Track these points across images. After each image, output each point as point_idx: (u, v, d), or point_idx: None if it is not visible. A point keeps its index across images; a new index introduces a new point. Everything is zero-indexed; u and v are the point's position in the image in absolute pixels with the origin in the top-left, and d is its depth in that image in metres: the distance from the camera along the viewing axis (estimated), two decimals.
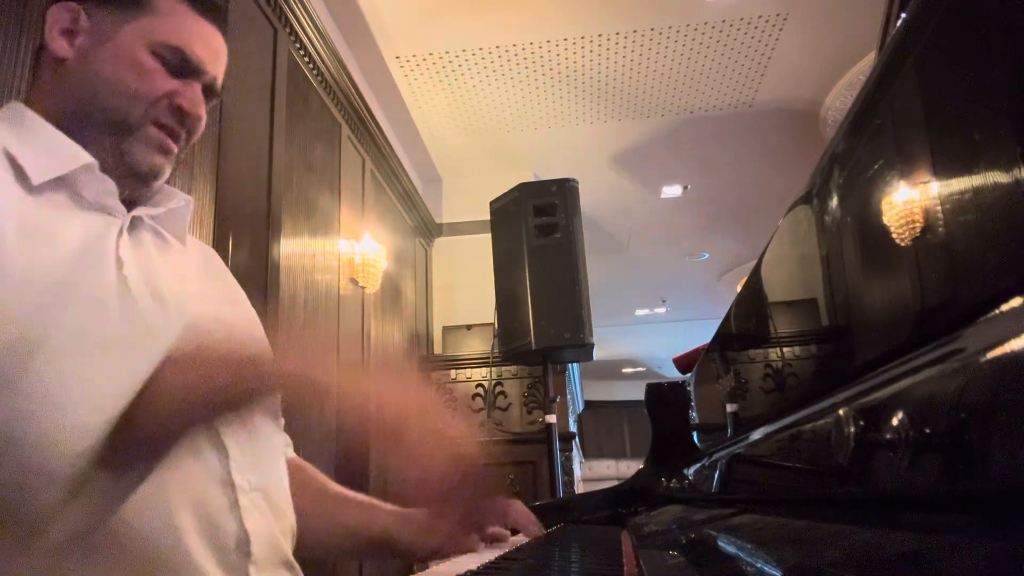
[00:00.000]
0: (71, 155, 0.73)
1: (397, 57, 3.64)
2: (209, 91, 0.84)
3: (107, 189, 0.75)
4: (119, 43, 0.77)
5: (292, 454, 0.98)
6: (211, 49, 0.83)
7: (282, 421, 0.94)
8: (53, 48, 0.77)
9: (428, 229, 4.52)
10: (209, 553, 0.68)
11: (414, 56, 3.66)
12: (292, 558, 0.78)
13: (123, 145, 0.77)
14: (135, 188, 0.80)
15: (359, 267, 3.07)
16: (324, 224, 2.82)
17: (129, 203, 0.79)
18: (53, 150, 0.73)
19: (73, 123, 0.76)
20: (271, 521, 0.75)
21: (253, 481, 0.75)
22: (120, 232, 0.75)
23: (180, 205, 0.85)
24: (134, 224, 0.79)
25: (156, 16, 0.79)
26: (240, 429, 0.75)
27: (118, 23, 0.78)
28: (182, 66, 0.80)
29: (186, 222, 0.87)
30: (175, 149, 0.81)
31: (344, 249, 2.99)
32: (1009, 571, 0.25)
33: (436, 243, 4.70)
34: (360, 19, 3.29)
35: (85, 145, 0.75)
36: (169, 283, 0.77)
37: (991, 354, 0.28)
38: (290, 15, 2.53)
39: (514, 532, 1.04)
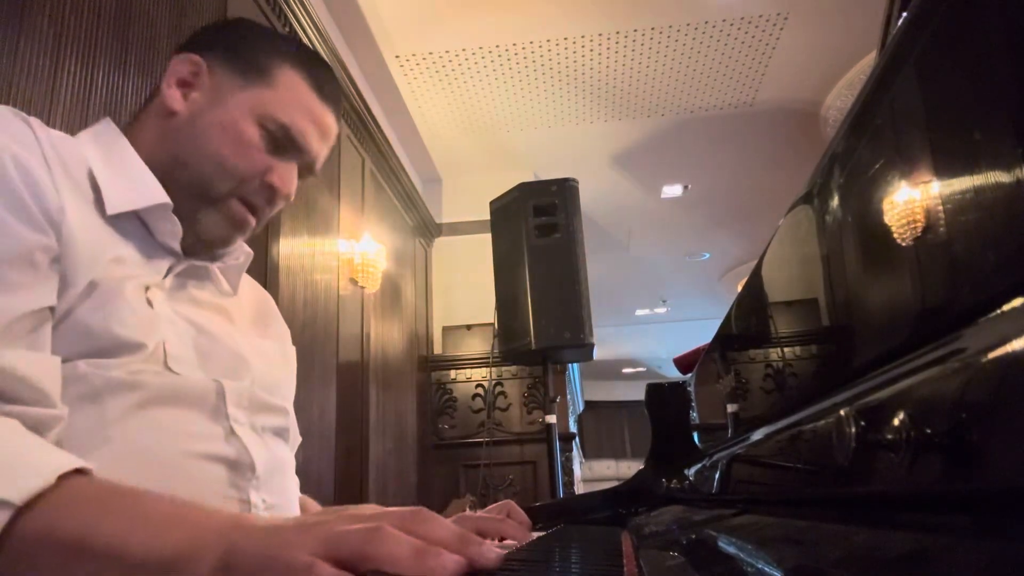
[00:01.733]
0: (151, 191, 0.73)
1: (397, 57, 3.64)
2: (307, 171, 0.84)
3: (173, 232, 0.76)
4: (230, 109, 0.77)
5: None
6: (321, 131, 0.82)
7: (296, 440, 0.94)
8: (167, 96, 0.77)
9: (428, 229, 4.52)
10: None
11: (414, 56, 3.66)
12: None
13: (199, 214, 0.78)
14: (199, 250, 0.81)
15: (359, 267, 3.07)
16: (323, 224, 2.82)
17: (188, 251, 0.79)
18: (136, 182, 0.73)
19: (163, 175, 0.76)
20: None
21: (268, 500, 0.75)
22: (168, 273, 0.76)
23: (239, 261, 0.86)
24: (191, 271, 0.79)
25: (275, 90, 0.79)
26: (261, 444, 0.76)
27: (237, 88, 0.78)
28: (284, 144, 0.79)
29: (242, 274, 0.87)
30: (252, 224, 0.82)
31: (344, 249, 2.99)
32: (1009, 571, 0.25)
33: (436, 243, 4.70)
34: (360, 19, 3.29)
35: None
36: (212, 323, 0.78)
37: (992, 354, 0.28)
38: (290, 15, 2.53)
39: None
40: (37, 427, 0.56)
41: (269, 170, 0.79)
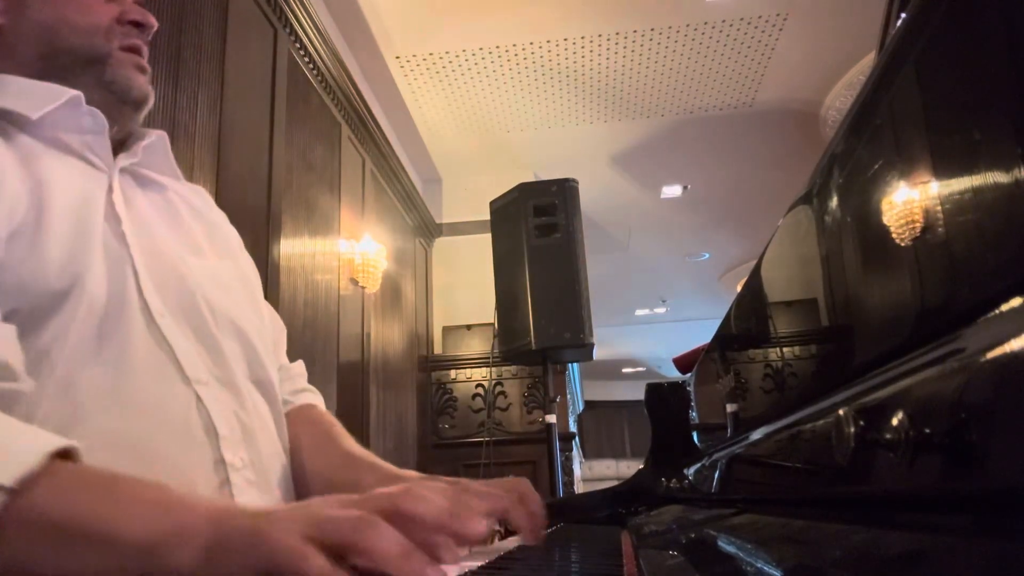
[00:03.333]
0: (55, 91, 0.72)
1: (397, 57, 3.64)
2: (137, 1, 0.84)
3: (98, 123, 0.75)
4: None
5: (315, 403, 0.96)
6: None
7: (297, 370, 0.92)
8: None
9: (428, 229, 4.52)
10: None
11: (414, 56, 3.66)
12: None
13: (105, 76, 0.78)
14: (130, 117, 0.80)
15: (359, 267, 3.07)
16: (324, 224, 2.82)
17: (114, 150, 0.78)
18: (35, 93, 0.72)
19: (44, 75, 0.74)
20: (263, 496, 0.75)
21: (245, 458, 0.74)
22: (110, 188, 0.75)
23: (152, 140, 0.84)
24: (122, 176, 0.78)
25: None
26: (225, 403, 0.74)
27: None
28: None
29: (169, 156, 0.86)
30: (147, 66, 0.82)
31: (344, 249, 2.99)
32: (1009, 571, 0.25)
33: (436, 243, 4.70)
34: (360, 19, 3.29)
35: (72, 89, 0.74)
36: (164, 244, 0.77)
37: (991, 354, 0.28)
38: (290, 15, 2.53)
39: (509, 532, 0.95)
40: (5, 403, 0.55)
41: (121, 13, 0.80)
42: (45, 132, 0.72)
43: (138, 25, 0.81)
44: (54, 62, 0.76)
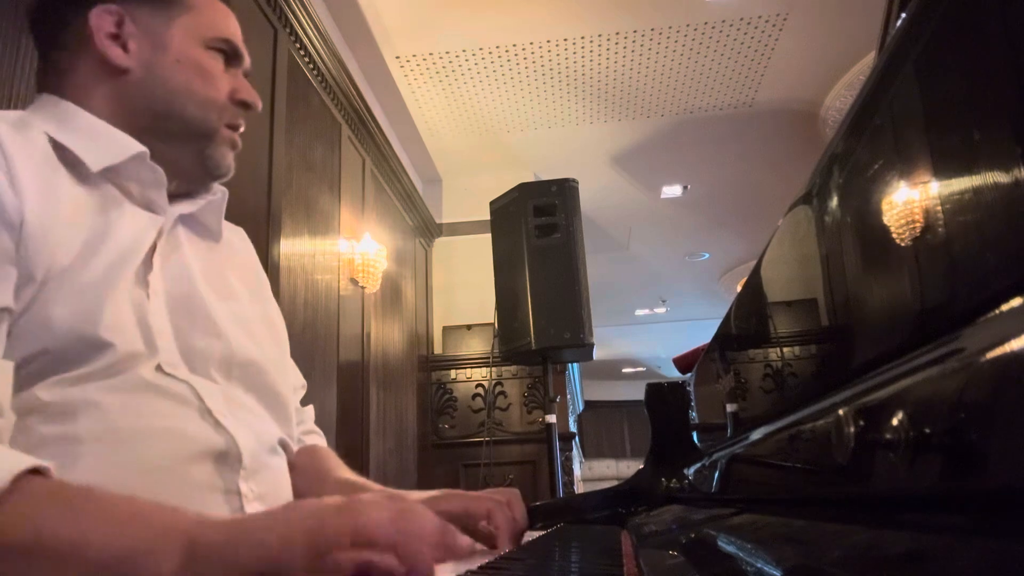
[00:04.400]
0: (122, 144, 0.73)
1: (397, 57, 3.64)
2: (248, 73, 0.86)
3: (157, 180, 0.76)
4: (177, 47, 0.78)
5: (318, 444, 0.98)
6: (239, 32, 0.85)
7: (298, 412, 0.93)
8: (110, 56, 0.75)
9: (428, 229, 4.52)
10: None
11: (414, 56, 3.66)
12: None
13: (206, 151, 0.80)
14: (204, 185, 0.83)
15: (359, 267, 3.07)
16: (324, 224, 2.82)
17: (170, 199, 0.79)
18: (104, 140, 0.73)
19: (148, 134, 0.76)
20: None
21: (256, 490, 0.74)
22: (161, 234, 0.76)
23: (216, 197, 0.86)
24: (177, 224, 0.80)
25: (195, 12, 0.80)
26: (250, 432, 0.75)
27: (165, 24, 0.78)
28: (232, 56, 0.82)
29: (222, 213, 0.88)
30: (239, 143, 0.85)
31: (344, 249, 2.99)
32: (1009, 571, 0.25)
33: (436, 243, 4.70)
34: (360, 19, 3.29)
35: (168, 151, 0.76)
36: (198, 287, 0.78)
37: (991, 354, 0.28)
38: (290, 15, 2.53)
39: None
40: None
41: (235, 89, 0.82)
42: (109, 176, 0.73)
43: (245, 106, 0.83)
44: (164, 124, 0.77)
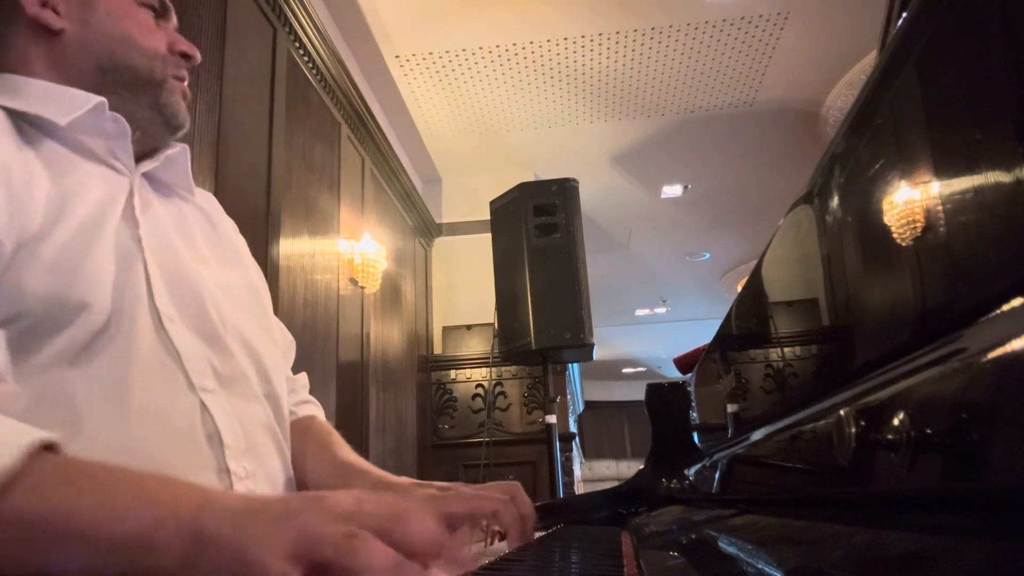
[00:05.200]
0: (80, 98, 0.73)
1: (397, 57, 3.64)
2: (174, 25, 0.88)
3: (121, 129, 0.76)
4: (106, 1, 0.79)
5: (315, 415, 0.97)
6: None
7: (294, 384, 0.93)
8: (44, 20, 0.76)
9: (428, 229, 4.52)
10: None
11: (414, 56, 3.66)
12: None
13: (160, 99, 0.81)
14: (167, 137, 0.84)
15: (359, 267, 3.07)
16: (324, 224, 2.82)
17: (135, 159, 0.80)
18: (61, 99, 0.73)
19: (100, 88, 0.76)
20: None
21: (249, 468, 0.74)
22: (131, 192, 0.76)
23: (176, 151, 0.86)
24: (141, 183, 0.80)
25: None
26: (231, 413, 0.74)
27: None
28: (159, 9, 0.84)
29: (187, 169, 0.88)
30: (189, 93, 0.85)
31: (344, 249, 2.99)
32: (1009, 571, 0.25)
33: (436, 243, 4.70)
34: (360, 19, 3.29)
35: (123, 104, 0.76)
36: (180, 253, 0.78)
37: (992, 354, 0.28)
38: (290, 15, 2.53)
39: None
40: None
41: (172, 42, 0.84)
42: (69, 137, 0.73)
43: (186, 57, 0.85)
44: (113, 76, 0.78)
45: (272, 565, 0.39)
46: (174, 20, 0.88)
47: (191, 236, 0.84)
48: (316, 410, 1.00)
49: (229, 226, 0.95)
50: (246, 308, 0.85)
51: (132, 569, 0.42)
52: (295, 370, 1.03)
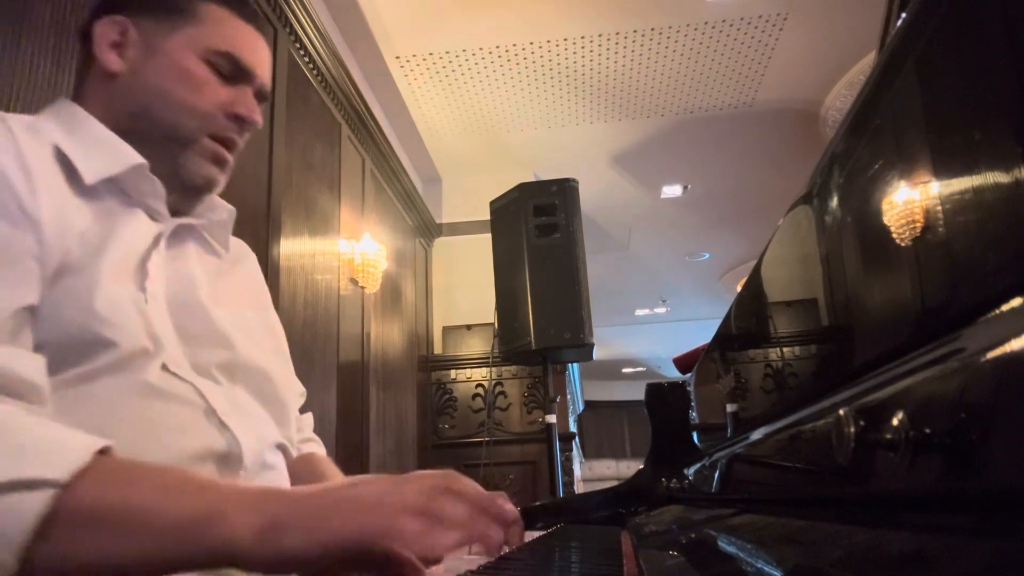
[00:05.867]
0: (123, 155, 0.74)
1: (397, 57, 3.64)
2: (260, 96, 0.85)
3: (156, 191, 0.77)
4: (170, 54, 0.79)
5: (316, 452, 0.98)
6: (259, 54, 0.84)
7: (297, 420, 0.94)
8: (104, 61, 0.78)
9: (428, 229, 4.51)
10: None
11: (414, 56, 3.66)
12: None
13: (179, 159, 0.79)
14: (187, 200, 0.82)
15: (359, 267, 3.07)
16: (324, 224, 2.82)
17: (175, 212, 0.81)
18: (105, 150, 0.74)
19: (129, 137, 0.76)
20: None
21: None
22: (157, 241, 0.76)
23: (223, 217, 0.87)
24: (179, 233, 0.81)
25: (203, 25, 0.80)
26: (252, 434, 0.75)
27: (166, 33, 0.79)
28: (234, 72, 0.81)
29: (229, 232, 0.89)
30: (230, 160, 0.83)
31: (344, 249, 2.99)
32: (1009, 571, 0.25)
33: (436, 243, 4.70)
34: (360, 19, 3.29)
35: (144, 155, 0.76)
36: (199, 294, 0.79)
37: (991, 354, 0.28)
38: (290, 15, 2.53)
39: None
40: None
41: (231, 102, 0.81)
42: (108, 185, 0.74)
43: (239, 120, 0.81)
44: (142, 125, 0.78)
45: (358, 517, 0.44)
46: (256, 86, 0.84)
47: (225, 285, 0.85)
48: (318, 448, 1.01)
49: (258, 274, 0.97)
50: (265, 349, 0.86)
51: (205, 548, 0.45)
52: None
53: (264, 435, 0.79)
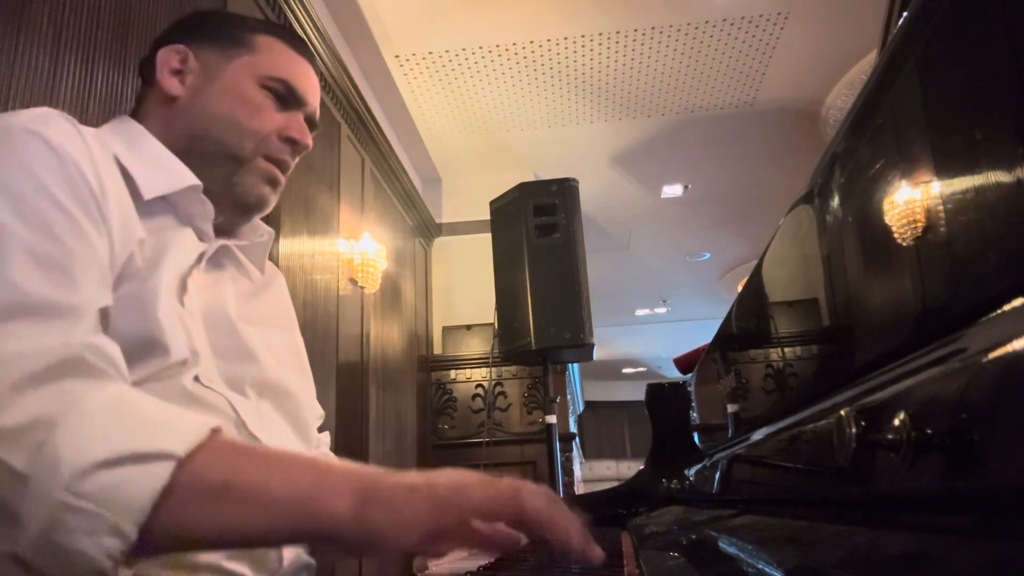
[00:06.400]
0: (179, 174, 0.78)
1: (397, 57, 3.64)
2: (311, 123, 0.90)
3: (206, 212, 0.80)
4: (228, 80, 0.84)
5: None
6: (310, 81, 0.90)
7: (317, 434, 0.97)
8: (166, 86, 0.83)
9: (428, 229, 4.51)
10: (246, 568, 0.70)
11: (414, 56, 3.66)
12: (310, 559, 0.80)
13: (234, 177, 0.83)
14: (238, 218, 0.87)
15: (359, 267, 3.07)
16: (323, 224, 2.82)
17: (219, 232, 0.84)
18: (163, 168, 0.78)
19: (186, 156, 0.80)
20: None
21: None
22: (200, 260, 0.79)
23: (263, 239, 0.91)
24: (218, 253, 0.83)
25: (259, 53, 0.86)
26: (279, 446, 0.77)
27: (225, 62, 0.85)
28: (288, 98, 0.86)
29: (266, 254, 0.93)
30: (283, 181, 0.88)
31: (344, 249, 2.99)
32: (1009, 571, 0.25)
33: (436, 243, 4.69)
34: (360, 19, 3.29)
35: (200, 175, 0.79)
36: (230, 313, 0.81)
37: (992, 355, 0.28)
38: (290, 15, 2.53)
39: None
40: None
41: (285, 126, 0.85)
42: (162, 203, 0.77)
43: (292, 143, 0.86)
44: (200, 146, 0.82)
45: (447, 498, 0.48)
46: (307, 112, 0.89)
47: (257, 307, 0.88)
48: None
49: (287, 297, 1.00)
50: (291, 369, 0.89)
51: (315, 523, 0.48)
52: None
53: (288, 449, 0.81)
